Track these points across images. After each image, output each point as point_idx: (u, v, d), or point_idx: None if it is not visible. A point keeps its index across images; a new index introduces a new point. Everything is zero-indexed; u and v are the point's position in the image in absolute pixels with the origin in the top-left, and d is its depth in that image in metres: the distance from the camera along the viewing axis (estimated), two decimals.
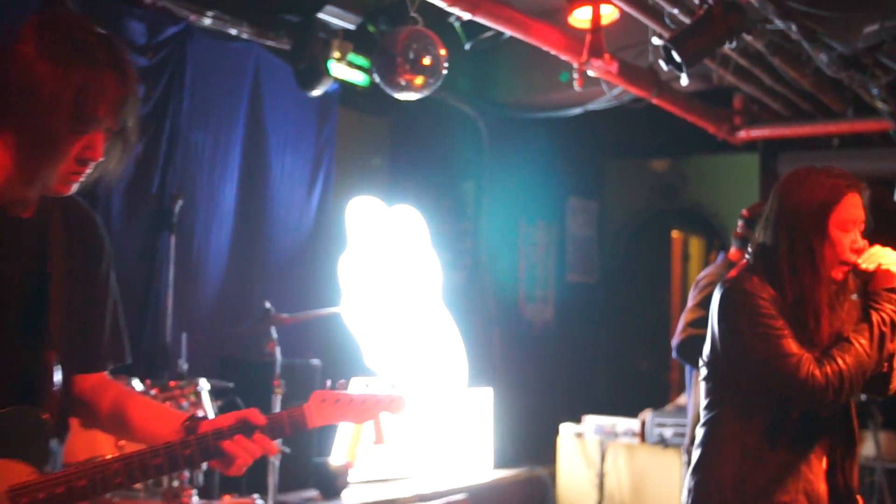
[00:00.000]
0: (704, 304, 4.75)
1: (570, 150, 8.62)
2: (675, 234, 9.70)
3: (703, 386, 2.84)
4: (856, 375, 2.60)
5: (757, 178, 8.66)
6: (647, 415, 6.64)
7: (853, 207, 2.68)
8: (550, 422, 7.27)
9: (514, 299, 8.17)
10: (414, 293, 6.83)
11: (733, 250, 4.97)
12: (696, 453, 2.81)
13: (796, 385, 2.59)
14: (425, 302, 6.89)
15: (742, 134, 7.78)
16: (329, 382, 2.12)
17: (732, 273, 2.79)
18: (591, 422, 6.80)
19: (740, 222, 4.92)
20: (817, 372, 2.58)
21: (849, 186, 2.68)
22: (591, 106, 7.19)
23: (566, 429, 6.93)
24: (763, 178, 8.57)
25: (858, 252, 2.70)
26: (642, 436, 6.58)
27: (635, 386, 8.83)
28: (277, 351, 4.87)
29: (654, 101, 6.72)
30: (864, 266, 2.69)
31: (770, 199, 2.77)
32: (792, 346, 2.61)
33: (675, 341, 4.84)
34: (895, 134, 6.81)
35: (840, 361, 2.59)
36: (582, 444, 6.81)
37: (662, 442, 6.44)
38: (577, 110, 7.38)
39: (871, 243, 2.76)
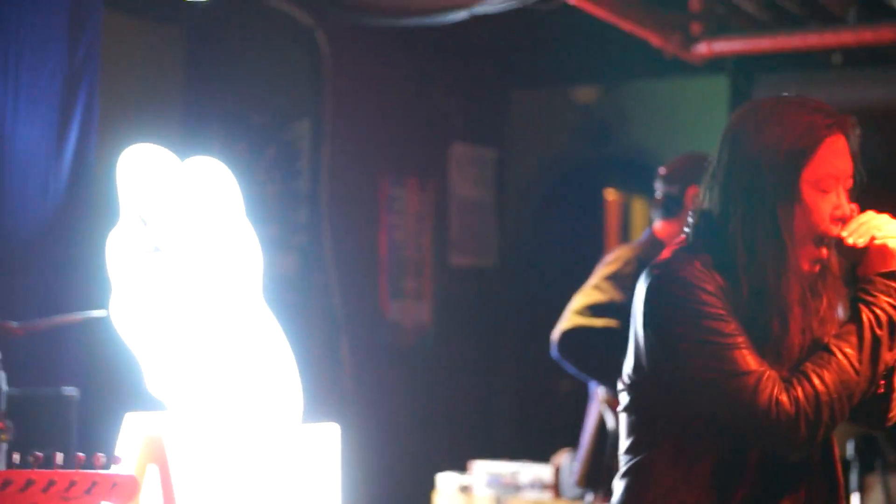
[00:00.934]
0: (605, 286, 4.90)
1: (454, 75, 8.68)
2: (609, 193, 9.81)
3: (623, 420, 2.89)
4: (839, 400, 2.63)
5: (726, 111, 8.81)
6: (564, 458, 6.75)
7: (836, 157, 2.72)
8: (425, 471, 7.38)
9: (373, 294, 8.25)
10: (220, 286, 6.81)
11: (659, 223, 5.11)
12: None
13: (755, 415, 2.61)
14: (237, 299, 6.88)
15: (702, 48, 7.87)
16: (17, 457, 2.01)
17: (664, 255, 2.82)
18: (483, 469, 6.89)
19: (658, 184, 5.07)
20: (784, 397, 2.61)
21: (830, 127, 2.71)
22: (481, 8, 7.23)
23: (447, 480, 7.02)
24: (734, 112, 8.70)
25: (843, 221, 2.75)
26: (556, 488, 6.68)
27: (550, 417, 8.93)
28: (2, 377, 4.83)
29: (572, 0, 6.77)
30: (850, 241, 2.73)
31: (719, 145, 2.80)
32: (749, 360, 2.64)
33: (554, 334, 4.98)
34: None
35: (816, 381, 2.63)
36: (469, 502, 6.88)
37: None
38: (461, 15, 7.41)
39: (863, 207, 2.80)
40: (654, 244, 5.02)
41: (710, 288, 2.67)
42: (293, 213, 7.76)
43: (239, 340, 6.84)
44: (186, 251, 6.76)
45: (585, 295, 4.99)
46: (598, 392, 5.20)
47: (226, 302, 6.83)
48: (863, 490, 7.49)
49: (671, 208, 5.05)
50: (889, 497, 7.41)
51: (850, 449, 7.18)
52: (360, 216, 8.22)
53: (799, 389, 2.61)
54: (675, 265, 2.73)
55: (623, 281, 4.93)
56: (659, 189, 5.09)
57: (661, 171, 5.12)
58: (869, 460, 7.50)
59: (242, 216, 7.21)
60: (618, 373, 4.97)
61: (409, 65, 8.42)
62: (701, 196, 2.83)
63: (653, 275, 2.76)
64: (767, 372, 2.63)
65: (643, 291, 2.76)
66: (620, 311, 4.88)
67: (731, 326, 2.65)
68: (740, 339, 2.64)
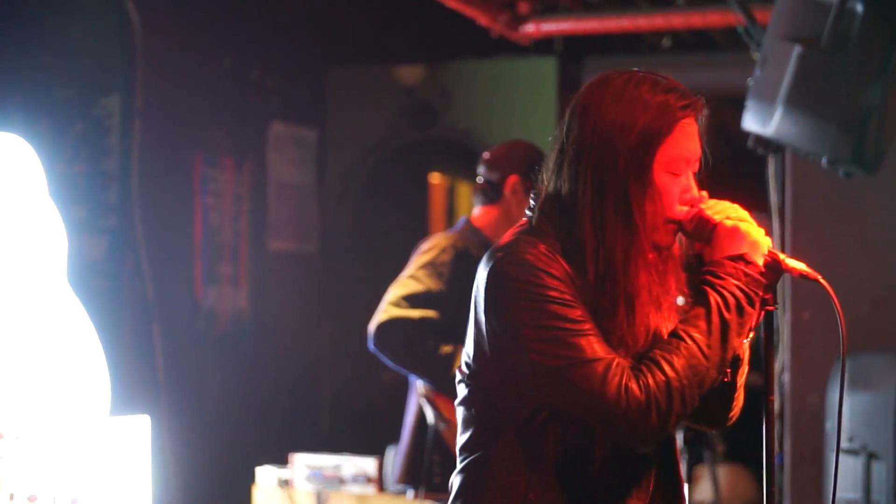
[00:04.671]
0: (420, 275, 4.90)
1: (272, 50, 8.58)
2: (434, 177, 9.85)
3: (460, 413, 2.82)
4: (690, 387, 2.58)
5: (554, 94, 8.93)
6: (390, 451, 6.71)
7: (688, 139, 2.69)
8: (243, 464, 7.27)
9: (188, 279, 8.16)
10: (21, 271, 6.59)
11: (478, 210, 5.13)
12: None
13: (604, 404, 2.55)
14: (40, 285, 6.67)
15: (530, 28, 7.97)
16: None
17: (506, 238, 2.75)
18: (304, 463, 6.83)
19: (480, 169, 5.10)
20: (634, 384, 2.55)
21: (685, 108, 2.68)
22: None
23: (266, 474, 6.93)
24: (562, 94, 8.84)
25: (691, 204, 2.72)
26: (381, 482, 6.65)
27: (373, 408, 8.93)
28: None
29: None
30: (708, 213, 2.69)
31: (565, 121, 2.74)
32: (596, 347, 2.58)
33: (371, 327, 4.95)
34: (745, 32, 7.10)
35: (666, 367, 2.57)
36: (290, 497, 6.83)
37: None
38: None
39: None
40: (472, 232, 5.07)
41: (555, 272, 2.61)
42: (102, 193, 7.61)
43: (41, 329, 6.62)
44: None
45: (401, 285, 4.97)
46: (418, 385, 5.17)
47: (27, 288, 6.60)
48: (691, 481, 7.61)
49: (490, 195, 5.08)
50: (717, 488, 7.53)
51: (679, 440, 7.29)
52: (173, 198, 8.10)
53: (649, 377, 2.56)
54: (519, 248, 2.66)
55: (439, 269, 4.94)
56: (481, 174, 5.11)
57: (485, 155, 5.17)
58: (698, 451, 7.64)
59: (46, 196, 6.99)
60: (436, 365, 4.95)
61: (225, 38, 8.32)
62: (546, 176, 2.75)
63: (495, 257, 2.68)
64: (616, 359, 2.57)
65: (484, 275, 2.69)
66: (437, 301, 4.90)
67: (578, 312, 2.59)
68: (587, 326, 2.59)
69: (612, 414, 2.55)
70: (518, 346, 2.62)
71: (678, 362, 2.57)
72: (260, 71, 8.67)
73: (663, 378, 2.55)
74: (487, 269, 2.68)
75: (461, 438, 2.78)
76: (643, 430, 2.57)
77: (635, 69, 2.74)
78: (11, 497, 4.47)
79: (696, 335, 2.59)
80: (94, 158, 7.64)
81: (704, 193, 2.74)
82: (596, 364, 2.55)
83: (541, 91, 8.93)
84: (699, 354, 2.58)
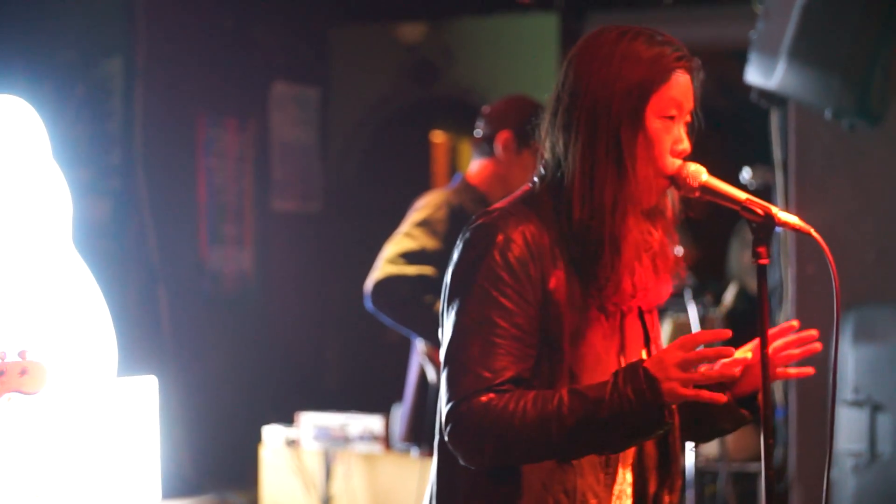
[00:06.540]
0: (416, 233, 4.89)
1: (273, 9, 8.58)
2: (437, 135, 9.83)
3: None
4: (523, 441, 2.54)
5: (556, 51, 8.89)
6: (395, 410, 6.71)
7: (681, 90, 2.68)
8: (251, 424, 7.30)
9: (192, 240, 8.16)
10: (26, 233, 6.59)
11: (475, 164, 5.11)
12: (427, 489, 2.79)
13: (450, 409, 2.57)
14: (45, 246, 6.68)
15: None
16: None
17: (503, 202, 2.74)
18: (310, 422, 6.84)
19: (479, 123, 5.07)
20: (481, 399, 2.54)
21: (679, 59, 2.67)
22: None
23: (273, 433, 6.96)
24: (564, 51, 8.78)
25: (682, 155, 2.70)
26: (387, 441, 6.65)
27: (379, 368, 8.95)
28: None
29: None
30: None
31: (562, 74, 2.72)
32: (495, 363, 2.56)
33: (368, 285, 4.94)
34: None
35: (519, 411, 2.53)
36: (297, 456, 6.84)
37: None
38: None
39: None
40: (466, 188, 5.05)
41: (518, 263, 2.59)
42: (105, 155, 7.62)
43: (48, 290, 6.62)
44: None
45: (396, 243, 4.96)
46: (418, 345, 5.17)
47: (33, 250, 6.60)
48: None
49: (484, 149, 5.06)
50: (723, 442, 7.52)
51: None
52: (176, 159, 8.11)
53: (502, 401, 2.54)
54: (500, 222, 2.65)
55: (434, 226, 4.93)
56: (478, 128, 5.09)
57: (484, 109, 5.15)
58: None
59: (50, 159, 6.98)
60: (433, 322, 4.94)
61: None
62: (543, 131, 2.73)
63: (477, 221, 2.69)
64: (490, 386, 2.55)
65: (463, 233, 2.70)
66: (433, 258, 4.88)
67: (506, 320, 2.57)
68: (504, 340, 2.57)
69: (448, 419, 2.57)
70: (448, 313, 2.64)
71: (532, 415, 2.52)
72: (262, 30, 8.66)
73: (508, 418, 2.52)
74: (468, 228, 2.69)
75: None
76: (458, 444, 2.58)
77: (626, 25, 2.74)
78: None
79: (566, 409, 2.52)
80: (96, 120, 7.64)
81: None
82: (473, 377, 2.55)
83: (543, 48, 8.91)
84: (554, 425, 2.52)
